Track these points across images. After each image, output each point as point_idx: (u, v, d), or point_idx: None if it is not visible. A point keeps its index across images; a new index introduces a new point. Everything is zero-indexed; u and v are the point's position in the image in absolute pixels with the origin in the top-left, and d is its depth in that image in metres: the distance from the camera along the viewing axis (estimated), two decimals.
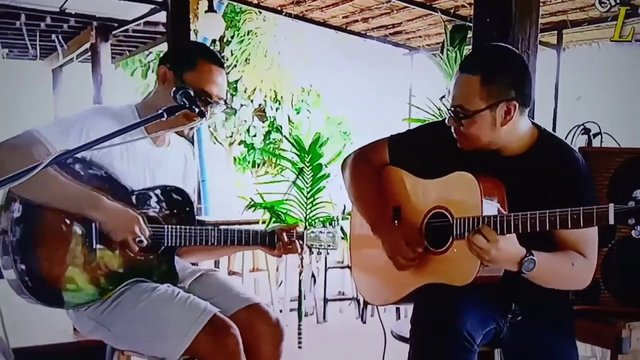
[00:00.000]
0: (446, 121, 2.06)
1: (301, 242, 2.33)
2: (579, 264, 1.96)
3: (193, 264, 2.58)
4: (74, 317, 2.21)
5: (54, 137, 2.00)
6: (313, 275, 4.26)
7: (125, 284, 2.13)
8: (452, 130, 2.07)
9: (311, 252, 2.46)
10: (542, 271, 1.87)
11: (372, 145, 2.35)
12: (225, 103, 2.24)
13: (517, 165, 2.04)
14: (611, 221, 1.69)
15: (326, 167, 4.51)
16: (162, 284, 2.17)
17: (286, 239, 2.29)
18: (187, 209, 2.25)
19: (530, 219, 1.80)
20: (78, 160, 2.07)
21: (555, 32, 6.30)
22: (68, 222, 2.06)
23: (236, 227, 2.28)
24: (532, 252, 1.85)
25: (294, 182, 4.55)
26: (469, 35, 5.94)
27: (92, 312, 2.14)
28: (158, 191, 2.21)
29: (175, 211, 2.23)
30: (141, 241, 2.09)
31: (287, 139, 4.68)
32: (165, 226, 2.17)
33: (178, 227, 2.18)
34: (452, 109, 2.02)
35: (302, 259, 4.53)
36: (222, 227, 2.26)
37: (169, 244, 2.18)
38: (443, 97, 2.14)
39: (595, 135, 2.53)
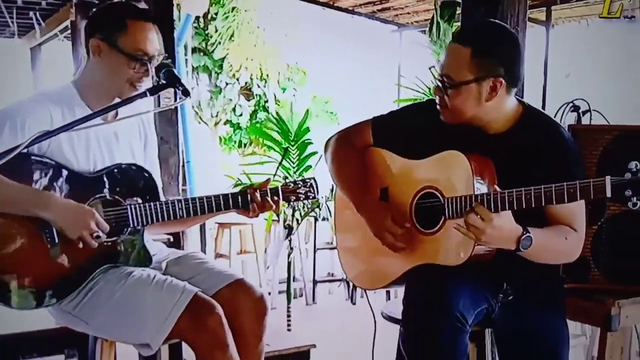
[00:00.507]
0: (435, 91, 2.06)
1: (276, 197, 2.23)
2: (571, 238, 1.99)
3: (173, 246, 2.56)
4: (51, 310, 2.17)
5: None
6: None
7: (96, 273, 2.08)
8: (437, 101, 2.07)
9: (289, 205, 2.38)
10: (538, 247, 1.88)
11: (355, 127, 2.34)
12: (167, 58, 2.15)
13: (502, 143, 2.04)
14: (608, 194, 1.70)
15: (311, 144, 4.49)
16: (137, 268, 2.12)
17: (259, 198, 2.20)
18: (148, 184, 2.18)
19: (525, 195, 1.81)
20: (23, 156, 1.96)
21: (544, 8, 6.29)
22: (25, 221, 1.99)
23: (204, 195, 2.20)
24: (528, 229, 1.86)
25: (280, 163, 4.54)
26: (457, 12, 5.92)
27: (66, 305, 2.09)
28: (114, 171, 2.14)
29: (136, 188, 2.16)
30: (99, 236, 2.02)
31: (269, 119, 4.64)
32: (128, 206, 2.11)
33: (141, 205, 2.12)
34: (440, 77, 2.02)
35: (290, 239, 4.53)
36: (189, 197, 2.19)
37: (135, 225, 2.12)
38: (432, 67, 2.14)
39: (584, 112, 2.54)
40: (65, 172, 2.07)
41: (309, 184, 2.30)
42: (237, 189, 4.57)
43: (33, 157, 2.03)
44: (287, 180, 2.33)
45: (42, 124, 1.94)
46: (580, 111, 2.53)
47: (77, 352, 2.55)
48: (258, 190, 2.20)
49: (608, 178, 1.70)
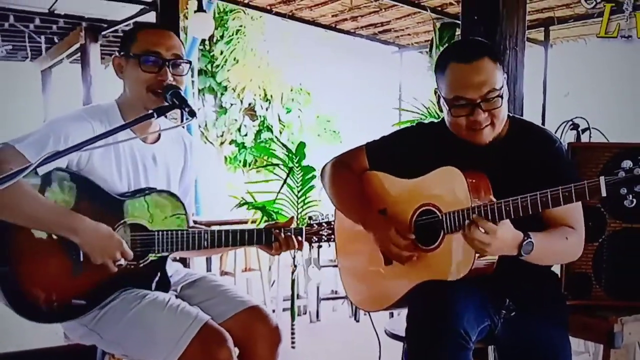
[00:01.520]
0: (478, 117, 1.97)
1: (299, 237, 2.25)
2: (572, 238, 1.98)
3: (184, 264, 2.55)
4: (66, 324, 2.16)
5: (32, 150, 1.92)
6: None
7: (116, 293, 2.08)
8: (473, 126, 1.99)
9: (311, 247, 2.39)
10: (540, 251, 1.87)
11: (350, 152, 2.35)
12: (189, 62, 2.17)
13: (496, 152, 2.05)
14: (603, 194, 1.69)
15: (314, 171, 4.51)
16: (153, 291, 2.11)
17: (284, 238, 2.21)
18: (178, 211, 2.17)
19: (522, 202, 1.80)
20: (59, 172, 2.01)
21: (543, 28, 6.31)
22: (52, 236, 1.99)
23: (230, 227, 2.20)
24: (530, 234, 1.84)
25: (285, 181, 4.54)
26: (457, 33, 5.94)
27: (83, 319, 2.08)
28: (147, 195, 2.13)
29: (165, 215, 2.15)
30: (120, 264, 2.02)
31: (274, 141, 4.67)
32: (155, 232, 2.10)
33: (168, 232, 2.11)
34: (481, 98, 1.96)
35: (294, 257, 4.51)
36: (214, 228, 2.19)
37: (159, 251, 2.12)
38: (449, 97, 2.02)
39: (584, 130, 2.53)
40: (97, 192, 2.07)
41: (333, 226, 2.32)
42: (244, 207, 4.57)
43: (69, 174, 2.04)
44: (312, 222, 2.33)
45: (85, 139, 1.94)
46: (579, 129, 2.52)
47: None
48: (282, 229, 2.22)
49: (602, 178, 1.69)
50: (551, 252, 1.96)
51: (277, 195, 4.59)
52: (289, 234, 2.22)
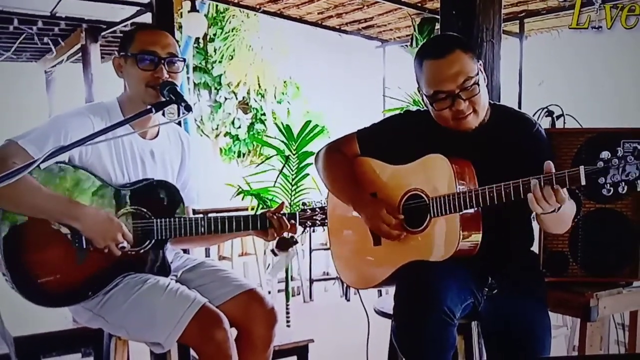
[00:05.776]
0: (460, 107, 1.97)
1: (293, 221, 2.25)
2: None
3: (185, 251, 2.54)
4: (72, 308, 2.17)
5: (35, 146, 1.91)
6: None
7: (118, 278, 2.09)
8: (457, 115, 1.99)
9: (305, 230, 2.38)
10: (562, 213, 1.84)
11: (342, 139, 2.34)
12: (184, 60, 2.17)
13: (480, 137, 2.04)
14: (583, 182, 1.69)
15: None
16: (154, 276, 2.11)
17: (278, 222, 2.20)
18: (176, 201, 2.17)
19: (505, 189, 1.80)
20: (61, 165, 2.01)
21: (517, 21, 6.29)
22: (57, 225, 2.00)
23: (225, 214, 2.20)
24: None
25: (281, 171, 4.49)
26: (436, 27, 5.91)
27: (88, 303, 2.09)
28: (146, 186, 2.14)
29: (163, 204, 2.15)
30: (124, 247, 2.03)
31: (277, 126, 4.58)
32: (154, 220, 2.11)
33: (166, 219, 2.12)
34: (459, 88, 1.96)
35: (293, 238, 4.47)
36: (211, 215, 2.18)
37: (159, 238, 2.12)
38: (431, 93, 2.02)
39: (558, 117, 2.53)
40: (100, 183, 2.07)
41: (326, 210, 2.31)
42: (240, 197, 4.52)
43: (71, 167, 2.03)
44: (305, 207, 2.32)
45: (85, 134, 1.91)
46: (554, 116, 2.52)
47: (93, 351, 2.55)
48: (275, 215, 2.21)
49: (582, 167, 1.70)
50: (566, 216, 1.95)
51: (274, 184, 4.55)
52: (281, 216, 2.21)
